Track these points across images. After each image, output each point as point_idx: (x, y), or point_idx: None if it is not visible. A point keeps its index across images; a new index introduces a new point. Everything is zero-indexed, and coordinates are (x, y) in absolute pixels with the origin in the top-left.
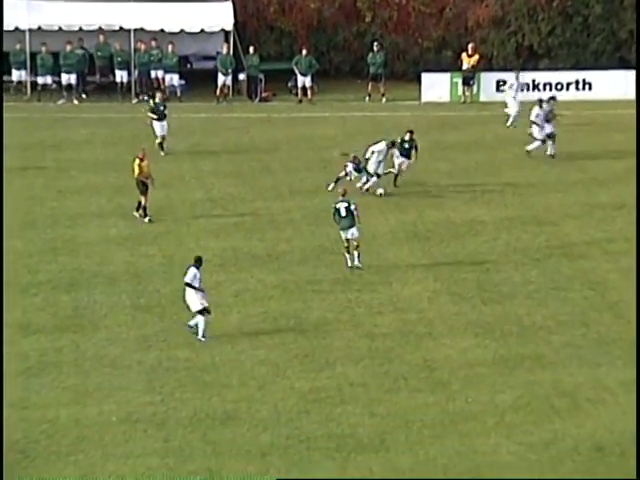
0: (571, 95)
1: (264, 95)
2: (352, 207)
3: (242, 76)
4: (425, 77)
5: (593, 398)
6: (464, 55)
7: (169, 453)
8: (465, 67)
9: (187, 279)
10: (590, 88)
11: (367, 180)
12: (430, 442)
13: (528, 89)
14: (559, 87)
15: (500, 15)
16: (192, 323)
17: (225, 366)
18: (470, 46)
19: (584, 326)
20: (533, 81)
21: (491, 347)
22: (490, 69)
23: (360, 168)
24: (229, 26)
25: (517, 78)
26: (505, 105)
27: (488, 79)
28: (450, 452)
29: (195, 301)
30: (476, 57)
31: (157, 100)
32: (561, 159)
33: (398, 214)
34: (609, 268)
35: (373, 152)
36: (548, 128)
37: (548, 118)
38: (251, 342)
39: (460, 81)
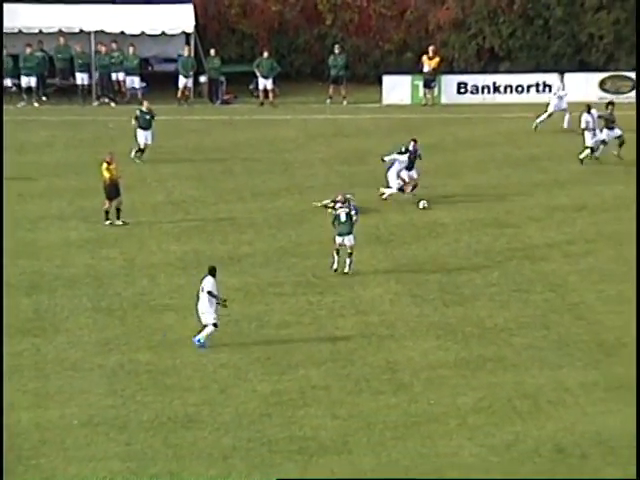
0: (532, 97)
1: (225, 97)
2: (353, 213)
3: (203, 78)
4: (386, 80)
5: (554, 400)
6: (425, 58)
7: (131, 456)
8: (426, 70)
9: (209, 288)
10: (550, 90)
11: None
12: (392, 444)
13: (489, 91)
14: (520, 90)
15: (461, 18)
16: (201, 337)
17: (186, 369)
18: (431, 49)
19: (545, 328)
20: (494, 83)
21: (453, 349)
22: (451, 72)
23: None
24: (190, 28)
25: (562, 81)
26: (545, 109)
27: (449, 82)
28: (412, 454)
29: (211, 313)
30: (437, 60)
31: (144, 109)
32: (523, 161)
33: (360, 217)
34: (569, 270)
35: (399, 162)
36: (606, 134)
37: (609, 125)
38: (213, 345)
39: (421, 84)
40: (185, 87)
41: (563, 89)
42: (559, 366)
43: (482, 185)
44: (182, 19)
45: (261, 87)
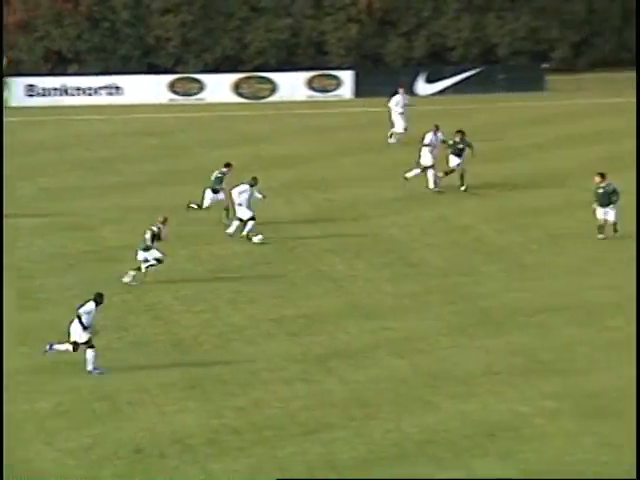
0: (103, 100)
1: None
2: (155, 232)
3: None
4: None
5: (133, 401)
6: None
7: None
8: None
9: (81, 311)
10: (121, 93)
11: (241, 226)
12: None
13: (59, 94)
14: (89, 92)
15: (27, 20)
16: (58, 347)
17: None
18: None
19: (123, 329)
20: (63, 86)
21: (29, 355)
22: (19, 74)
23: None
24: None
25: (403, 94)
26: (391, 123)
27: (17, 84)
28: None
29: (78, 333)
30: (5, 61)
31: None
32: (96, 163)
33: None
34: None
35: (240, 193)
36: (455, 161)
37: (456, 152)
38: None
39: None
40: None
41: (403, 105)
42: (137, 367)
43: (54, 188)
44: None
45: None
